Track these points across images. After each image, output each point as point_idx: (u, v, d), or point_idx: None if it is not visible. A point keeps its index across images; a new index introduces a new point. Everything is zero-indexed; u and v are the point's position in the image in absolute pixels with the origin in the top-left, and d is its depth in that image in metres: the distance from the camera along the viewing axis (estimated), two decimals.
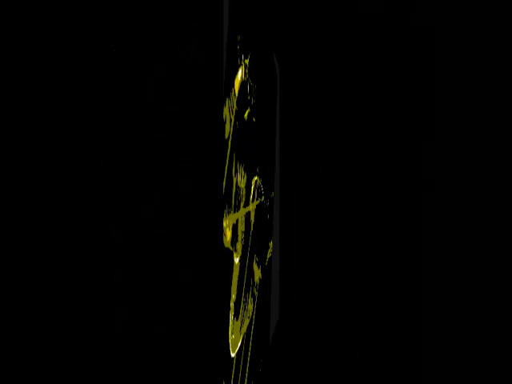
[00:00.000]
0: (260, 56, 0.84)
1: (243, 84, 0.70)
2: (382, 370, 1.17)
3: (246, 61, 0.74)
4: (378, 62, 1.22)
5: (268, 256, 1.05)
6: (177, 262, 0.42)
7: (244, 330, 0.71)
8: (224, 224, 0.58)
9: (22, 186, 0.41)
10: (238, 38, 0.68)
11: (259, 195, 0.87)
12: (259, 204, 0.91)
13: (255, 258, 0.84)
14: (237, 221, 0.68)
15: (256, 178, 0.85)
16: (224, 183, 0.57)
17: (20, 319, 0.41)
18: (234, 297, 0.63)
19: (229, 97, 0.60)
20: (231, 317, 0.62)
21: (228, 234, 0.61)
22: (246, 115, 0.76)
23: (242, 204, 0.70)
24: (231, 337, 0.61)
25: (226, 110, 0.60)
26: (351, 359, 1.13)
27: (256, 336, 0.80)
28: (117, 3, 0.45)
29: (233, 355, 0.60)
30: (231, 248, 0.62)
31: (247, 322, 0.74)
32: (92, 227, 0.42)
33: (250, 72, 0.76)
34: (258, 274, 0.87)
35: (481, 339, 1.14)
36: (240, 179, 0.67)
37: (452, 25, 1.24)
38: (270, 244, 1.08)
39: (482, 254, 1.15)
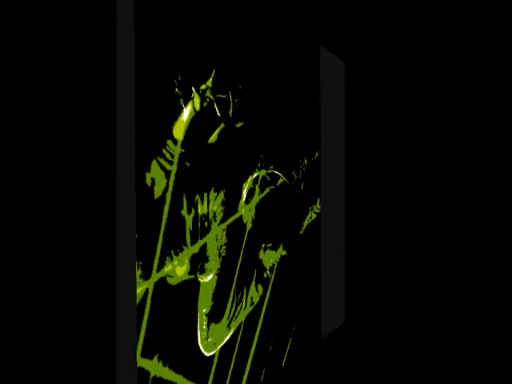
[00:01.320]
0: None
1: (203, 110, 0.66)
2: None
3: (204, 86, 0.69)
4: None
5: (306, 223, 1.05)
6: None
7: (238, 322, 0.80)
8: (175, 263, 0.64)
9: None
10: (179, 77, 0.63)
11: (266, 186, 0.87)
12: (270, 192, 0.90)
13: (262, 246, 0.87)
14: (204, 245, 0.72)
15: (256, 174, 0.82)
16: (161, 238, 0.62)
17: None
18: (205, 309, 0.72)
19: (161, 153, 0.59)
20: (204, 324, 0.71)
21: (184, 267, 0.67)
22: (215, 134, 0.73)
23: (213, 225, 0.73)
24: (204, 341, 0.71)
25: (155, 169, 0.62)
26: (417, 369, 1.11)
27: (269, 320, 0.84)
28: None
29: (211, 354, 0.72)
30: (190, 276, 0.68)
31: (244, 312, 0.79)
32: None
33: (216, 89, 0.70)
34: (273, 256, 0.91)
35: None
36: (205, 206, 0.67)
37: None
38: (312, 211, 1.06)
39: None
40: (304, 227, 1.06)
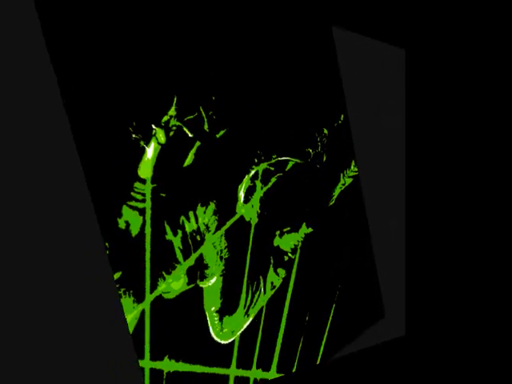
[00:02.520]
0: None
1: (171, 138, 0.65)
2: None
3: (166, 117, 0.66)
4: None
5: (337, 192, 0.97)
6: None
7: (257, 308, 0.83)
8: (169, 280, 0.70)
9: None
10: (134, 123, 0.63)
11: (272, 176, 0.82)
12: (278, 180, 0.85)
13: (277, 233, 0.86)
14: (200, 255, 0.75)
15: (255, 170, 0.80)
16: (148, 265, 0.67)
17: None
18: (214, 308, 0.77)
19: (130, 197, 0.64)
20: (215, 320, 0.77)
21: (180, 281, 0.72)
22: (190, 156, 0.72)
23: (207, 235, 0.75)
24: (220, 333, 0.78)
25: (126, 212, 0.65)
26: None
27: (300, 300, 0.86)
28: None
29: (229, 341, 0.78)
30: (190, 286, 0.73)
31: (265, 297, 0.84)
32: None
33: (182, 113, 0.67)
34: (293, 238, 0.88)
35: None
36: (193, 223, 0.70)
37: None
38: (345, 176, 0.97)
39: None
40: (335, 196, 1.01)
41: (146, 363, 0.72)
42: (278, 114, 0.85)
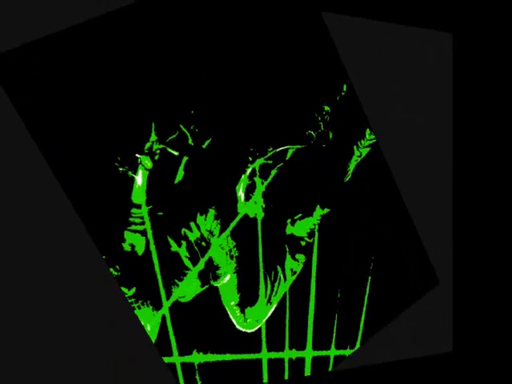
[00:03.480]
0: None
1: (157, 161, 0.70)
2: None
3: (148, 144, 0.68)
4: None
5: (352, 165, 0.88)
6: None
7: (280, 295, 0.82)
8: (183, 286, 0.73)
9: None
10: (118, 157, 0.66)
11: (271, 169, 0.80)
12: (280, 170, 0.81)
13: (288, 221, 0.82)
14: (209, 259, 0.76)
15: (251, 168, 0.79)
16: (159, 277, 0.71)
17: None
18: (233, 302, 0.79)
19: (129, 223, 0.69)
20: (237, 312, 0.79)
21: (193, 285, 0.75)
22: (180, 172, 0.72)
23: (213, 239, 0.76)
24: (244, 323, 0.79)
25: (129, 236, 0.69)
26: None
27: (322, 283, 0.85)
28: None
29: (254, 329, 0.79)
30: (204, 287, 0.75)
31: (286, 283, 0.84)
32: None
33: (163, 135, 0.68)
34: (307, 223, 0.84)
35: None
36: (195, 232, 0.75)
37: None
38: (360, 147, 0.87)
39: None
40: (351, 171, 0.94)
41: (176, 358, 0.81)
42: (266, 104, 0.83)
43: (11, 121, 0.67)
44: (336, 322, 0.95)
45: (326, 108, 0.95)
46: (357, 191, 0.97)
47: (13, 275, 0.67)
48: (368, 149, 0.99)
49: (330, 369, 0.92)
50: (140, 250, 0.78)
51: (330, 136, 0.95)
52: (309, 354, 0.93)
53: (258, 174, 0.88)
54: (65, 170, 0.69)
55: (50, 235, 0.67)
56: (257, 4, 0.80)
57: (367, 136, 0.99)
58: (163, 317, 0.79)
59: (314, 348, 0.93)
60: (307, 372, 0.91)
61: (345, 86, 0.96)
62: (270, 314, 0.89)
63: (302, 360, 0.92)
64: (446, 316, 1.04)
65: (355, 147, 0.98)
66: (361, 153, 0.99)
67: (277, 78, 0.86)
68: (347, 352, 0.95)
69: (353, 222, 0.97)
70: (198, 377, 0.81)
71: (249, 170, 0.86)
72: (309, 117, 0.93)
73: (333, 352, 0.95)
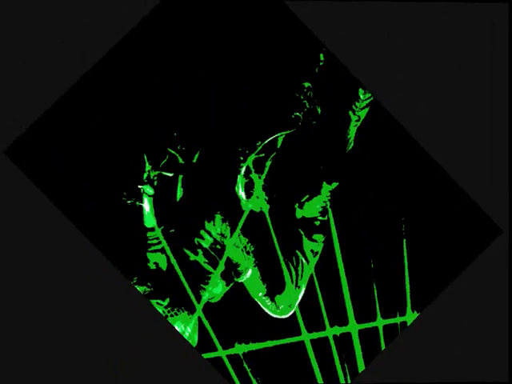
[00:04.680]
0: None
1: (157, 187, 1.16)
2: None
3: (145, 174, 1.13)
4: None
5: (353, 132, 1.20)
6: None
7: (306, 277, 1.18)
8: (209, 288, 1.14)
9: None
10: (124, 193, 1.12)
11: (265, 161, 1.16)
12: (274, 160, 1.17)
13: (296, 206, 1.18)
14: (227, 259, 1.17)
15: (245, 167, 1.16)
16: (186, 285, 1.14)
17: None
18: (261, 293, 1.17)
19: (149, 245, 1.16)
20: (267, 302, 1.17)
21: (219, 285, 1.16)
22: (179, 190, 1.15)
23: (226, 241, 1.15)
24: (277, 311, 1.17)
25: (152, 256, 1.15)
26: None
27: (349, 256, 1.18)
28: None
29: (289, 314, 1.17)
30: (229, 286, 1.15)
31: (310, 265, 1.18)
32: None
33: (155, 162, 1.14)
34: (317, 202, 1.18)
35: None
36: (208, 239, 1.13)
37: None
38: (356, 112, 1.18)
39: None
40: (352, 138, 1.25)
41: (221, 352, 1.24)
42: (242, 100, 1.16)
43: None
44: (376, 291, 1.30)
45: (307, 84, 1.28)
46: (366, 156, 1.29)
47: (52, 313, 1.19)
48: (366, 109, 1.29)
49: (382, 340, 1.28)
50: (164, 266, 1.22)
51: (319, 111, 1.29)
52: (353, 327, 1.30)
53: (252, 170, 1.12)
54: (82, 216, 1.17)
55: (76, 273, 1.16)
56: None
57: (362, 96, 1.29)
58: (199, 318, 1.23)
59: (358, 321, 1.30)
60: (356, 346, 1.28)
61: (322, 55, 1.28)
62: (300, 297, 1.28)
63: (347, 335, 1.29)
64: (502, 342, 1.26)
65: (351, 112, 1.29)
66: (359, 116, 1.29)
67: (247, 70, 1.17)
68: (397, 320, 1.30)
69: (369, 188, 1.29)
70: (245, 365, 1.24)
71: (243, 170, 1.22)
72: (290, 99, 1.28)
73: (380, 322, 1.30)
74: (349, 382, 1.15)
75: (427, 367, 1.19)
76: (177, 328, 1.12)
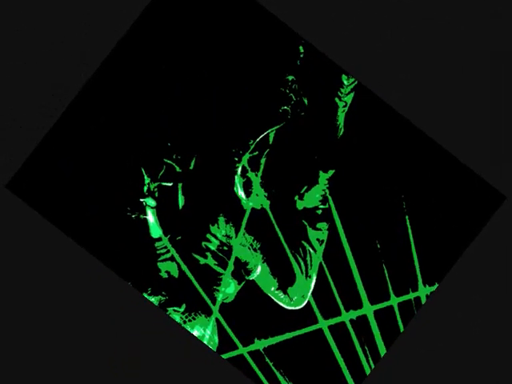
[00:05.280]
0: None
1: (158, 197, 1.20)
2: None
3: (145, 187, 1.17)
4: None
5: (341, 117, 1.24)
6: None
7: (315, 266, 1.21)
8: (222, 289, 1.18)
9: None
10: (128, 208, 1.17)
11: (259, 158, 1.20)
12: (268, 156, 1.21)
13: (296, 199, 1.21)
14: (235, 259, 1.20)
15: (240, 166, 1.20)
16: (200, 290, 1.18)
17: None
18: (273, 288, 1.21)
19: (158, 255, 1.21)
20: (280, 295, 1.21)
21: (231, 285, 1.20)
22: (180, 198, 1.19)
23: (232, 241, 1.19)
24: (290, 302, 1.21)
25: (162, 265, 1.19)
26: None
27: (354, 240, 1.22)
28: None
29: (303, 304, 1.20)
30: (241, 285, 1.19)
31: (317, 254, 1.22)
32: None
33: (153, 176, 1.19)
34: (316, 191, 1.22)
35: None
36: (214, 242, 1.17)
37: None
38: (342, 98, 1.22)
39: None
40: (341, 124, 1.28)
41: (242, 350, 1.28)
42: (229, 102, 1.20)
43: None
44: (386, 271, 1.33)
45: (290, 77, 1.32)
46: (357, 139, 1.33)
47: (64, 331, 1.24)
48: (352, 94, 1.33)
49: (399, 319, 1.31)
50: (175, 273, 1.26)
51: (306, 102, 1.33)
52: (369, 309, 1.34)
53: (248, 169, 1.16)
54: (89, 236, 1.22)
55: (88, 293, 1.20)
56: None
57: (345, 82, 1.33)
58: (216, 320, 1.27)
59: (373, 303, 1.33)
60: (374, 328, 1.32)
61: (301, 48, 1.33)
62: (312, 286, 1.32)
63: (363, 317, 1.33)
64: None
65: (337, 99, 1.32)
66: (345, 102, 1.32)
67: (229, 71, 1.21)
68: (411, 296, 1.33)
69: (365, 170, 1.32)
70: (267, 359, 1.28)
71: (239, 170, 1.27)
72: (276, 94, 1.32)
73: (394, 301, 1.33)
74: (372, 366, 1.18)
75: (449, 344, 1.21)
76: (196, 332, 1.16)
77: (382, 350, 1.22)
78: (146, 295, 1.16)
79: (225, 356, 1.18)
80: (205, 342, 1.17)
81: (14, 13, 1.19)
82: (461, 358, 1.24)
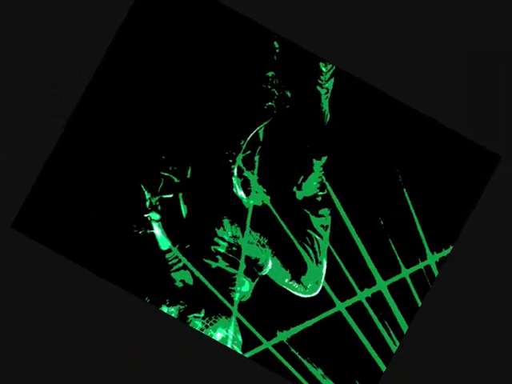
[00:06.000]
0: None
1: (162, 211, 1.25)
2: None
3: (148, 203, 1.21)
4: None
5: (326, 105, 1.28)
6: None
7: (324, 251, 1.26)
8: (237, 288, 1.22)
9: None
10: (134, 225, 1.22)
11: (253, 156, 1.25)
12: (261, 152, 1.26)
13: (294, 189, 1.26)
14: (245, 257, 1.24)
15: (236, 167, 1.26)
16: (216, 292, 1.22)
17: None
18: (287, 279, 1.25)
19: (171, 266, 1.25)
20: (295, 285, 1.25)
21: (247, 284, 1.24)
22: (183, 207, 1.23)
23: (240, 241, 1.24)
24: (306, 290, 1.25)
25: (176, 275, 1.23)
26: None
27: (357, 220, 1.26)
28: None
29: (318, 291, 1.25)
30: (255, 281, 1.24)
31: (323, 240, 1.26)
32: None
33: (153, 193, 1.23)
34: (312, 179, 1.26)
35: None
36: (223, 244, 1.22)
37: None
38: (323, 85, 1.27)
39: None
40: (327, 110, 1.32)
41: (266, 344, 1.32)
42: (216, 107, 1.25)
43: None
44: (393, 245, 1.38)
45: (270, 73, 1.36)
46: (345, 122, 1.37)
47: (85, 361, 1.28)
48: (332, 79, 1.38)
49: (413, 290, 1.35)
50: (190, 281, 1.30)
51: (289, 95, 1.37)
52: (382, 285, 1.38)
53: (244, 169, 1.22)
54: (101, 263, 1.26)
55: (107, 317, 1.24)
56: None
57: (324, 69, 1.37)
58: (237, 319, 1.31)
59: (385, 278, 1.38)
60: (390, 302, 1.36)
61: (276, 43, 1.37)
62: (324, 271, 1.36)
63: (379, 293, 1.37)
64: None
65: (318, 87, 1.37)
66: (327, 88, 1.37)
67: (210, 75, 1.27)
68: (420, 265, 1.37)
69: (356, 151, 1.37)
70: (293, 350, 1.32)
71: (235, 171, 1.31)
72: (259, 92, 1.36)
73: (405, 272, 1.38)
74: (395, 341, 1.23)
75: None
76: (219, 335, 1.20)
77: (403, 324, 1.26)
78: (164, 307, 1.20)
79: (251, 352, 1.23)
80: (229, 342, 1.22)
81: (14, 13, 1.20)
82: (478, 320, 1.28)
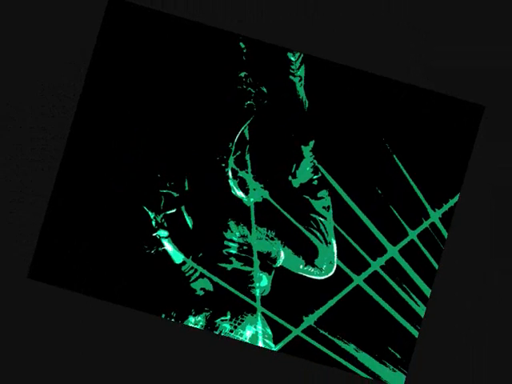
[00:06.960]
0: None
1: (168, 224, 1.31)
2: None
3: (154, 222, 1.27)
4: None
5: (302, 94, 1.34)
6: None
7: (331, 230, 1.31)
8: (256, 285, 1.28)
9: None
10: (145, 246, 1.27)
11: (244, 156, 1.30)
12: (251, 150, 1.31)
13: (291, 180, 1.32)
14: (258, 253, 1.30)
15: (230, 170, 1.31)
16: (237, 292, 1.28)
17: None
18: (302, 266, 1.30)
19: (188, 278, 1.31)
20: (310, 270, 1.31)
21: (265, 280, 1.29)
22: (187, 219, 1.29)
23: (249, 239, 1.29)
24: (321, 272, 1.31)
25: (195, 284, 1.29)
26: None
27: (359, 197, 1.32)
28: None
29: (333, 271, 1.30)
30: (272, 273, 1.29)
31: (328, 221, 1.30)
32: None
33: (156, 209, 1.28)
34: (305, 165, 1.32)
35: None
36: (233, 245, 1.28)
37: None
38: (299, 79, 1.33)
39: None
40: (304, 97, 1.38)
41: (296, 331, 1.37)
42: (196, 115, 1.31)
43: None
44: (395, 211, 1.43)
45: (242, 74, 1.42)
46: (323, 104, 1.43)
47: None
48: (302, 66, 1.43)
49: (425, 251, 1.41)
50: (210, 288, 1.36)
51: (265, 90, 1.43)
52: (393, 251, 1.43)
53: (237, 170, 1.30)
54: (121, 291, 1.31)
55: (130, 326, 1.30)
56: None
57: (293, 58, 1.42)
58: (263, 314, 1.37)
59: (394, 244, 1.43)
60: (405, 266, 1.42)
61: (241, 43, 1.42)
62: (336, 250, 1.42)
63: (391, 260, 1.43)
64: None
65: (291, 77, 1.43)
66: (300, 76, 1.42)
67: (185, 87, 1.33)
68: (425, 224, 1.43)
69: (340, 130, 1.42)
70: (322, 331, 1.38)
71: (230, 174, 1.37)
72: (236, 93, 1.42)
73: (412, 234, 1.43)
74: (420, 305, 1.29)
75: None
76: (249, 332, 1.26)
77: (421, 284, 1.32)
78: (191, 317, 1.26)
79: (283, 342, 1.29)
80: (259, 337, 1.27)
81: (14, 13, 1.24)
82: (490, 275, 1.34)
